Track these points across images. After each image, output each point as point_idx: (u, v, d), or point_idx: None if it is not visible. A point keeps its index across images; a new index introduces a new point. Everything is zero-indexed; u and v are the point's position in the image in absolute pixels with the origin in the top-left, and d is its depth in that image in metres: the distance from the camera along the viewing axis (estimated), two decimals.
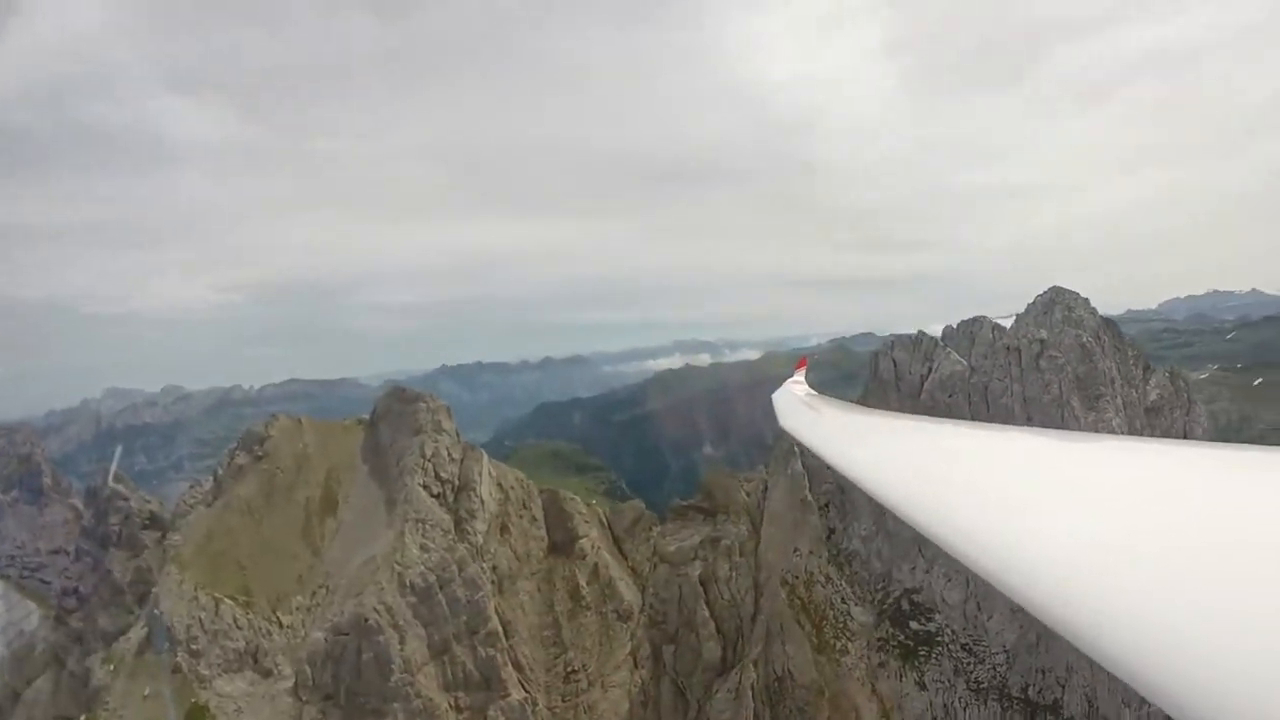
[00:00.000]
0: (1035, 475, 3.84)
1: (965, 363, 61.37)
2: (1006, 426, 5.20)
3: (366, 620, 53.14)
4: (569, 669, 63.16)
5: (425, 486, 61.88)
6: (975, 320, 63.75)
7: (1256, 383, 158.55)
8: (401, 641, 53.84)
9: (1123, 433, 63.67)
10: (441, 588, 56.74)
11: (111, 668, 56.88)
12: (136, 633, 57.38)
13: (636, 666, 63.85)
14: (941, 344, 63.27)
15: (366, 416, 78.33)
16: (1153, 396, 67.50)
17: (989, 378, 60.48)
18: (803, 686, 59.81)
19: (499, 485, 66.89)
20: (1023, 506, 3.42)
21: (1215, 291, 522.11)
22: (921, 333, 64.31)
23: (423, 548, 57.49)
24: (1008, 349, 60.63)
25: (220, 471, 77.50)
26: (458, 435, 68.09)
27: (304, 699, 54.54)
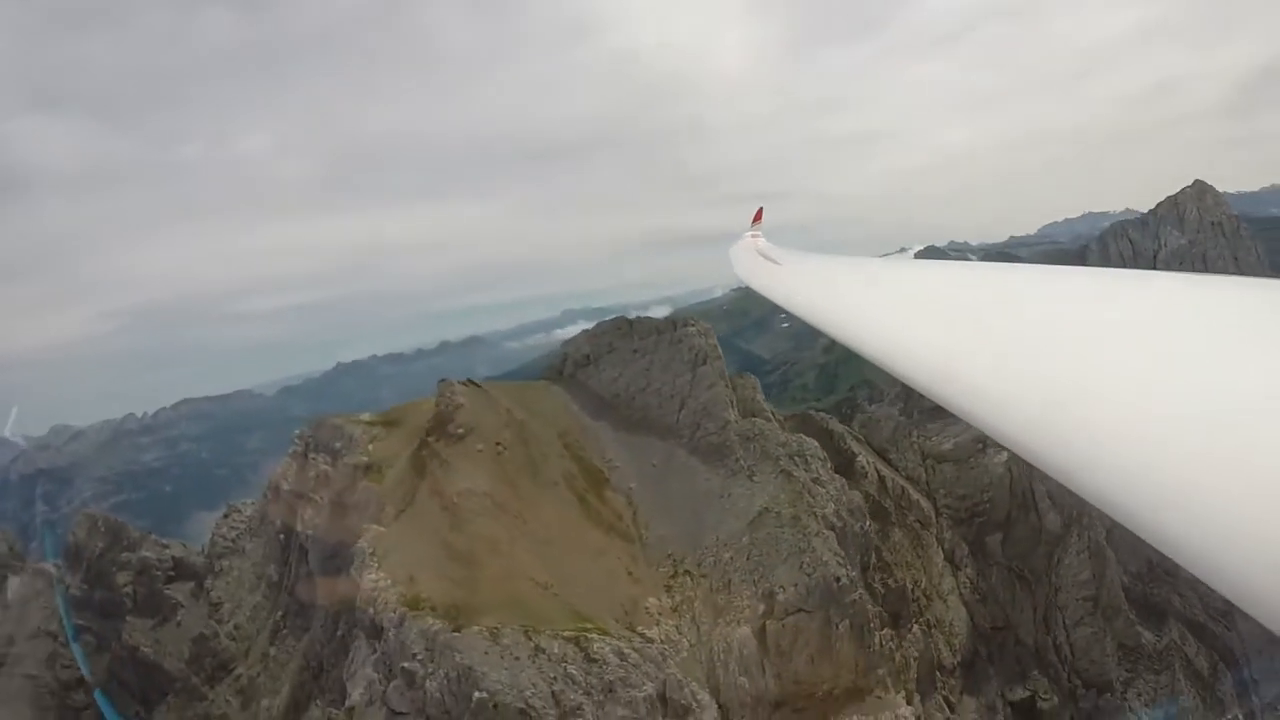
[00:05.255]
0: (1022, 310, 3.08)
1: (1183, 237, 60.28)
2: (983, 264, 4.22)
3: (838, 580, 33.56)
4: (901, 589, 48.38)
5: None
6: (1175, 201, 63.10)
7: None
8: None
9: None
10: (847, 523, 38.62)
11: None
12: None
13: (958, 567, 50.76)
14: (1163, 223, 61.67)
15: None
16: None
17: (1204, 248, 60.73)
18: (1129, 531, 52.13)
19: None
20: (1011, 342, 2.76)
21: (1090, 213, 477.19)
22: (1150, 213, 62.74)
23: (816, 480, 38.44)
24: (1213, 224, 60.85)
25: (285, 485, 49.45)
26: None
27: None
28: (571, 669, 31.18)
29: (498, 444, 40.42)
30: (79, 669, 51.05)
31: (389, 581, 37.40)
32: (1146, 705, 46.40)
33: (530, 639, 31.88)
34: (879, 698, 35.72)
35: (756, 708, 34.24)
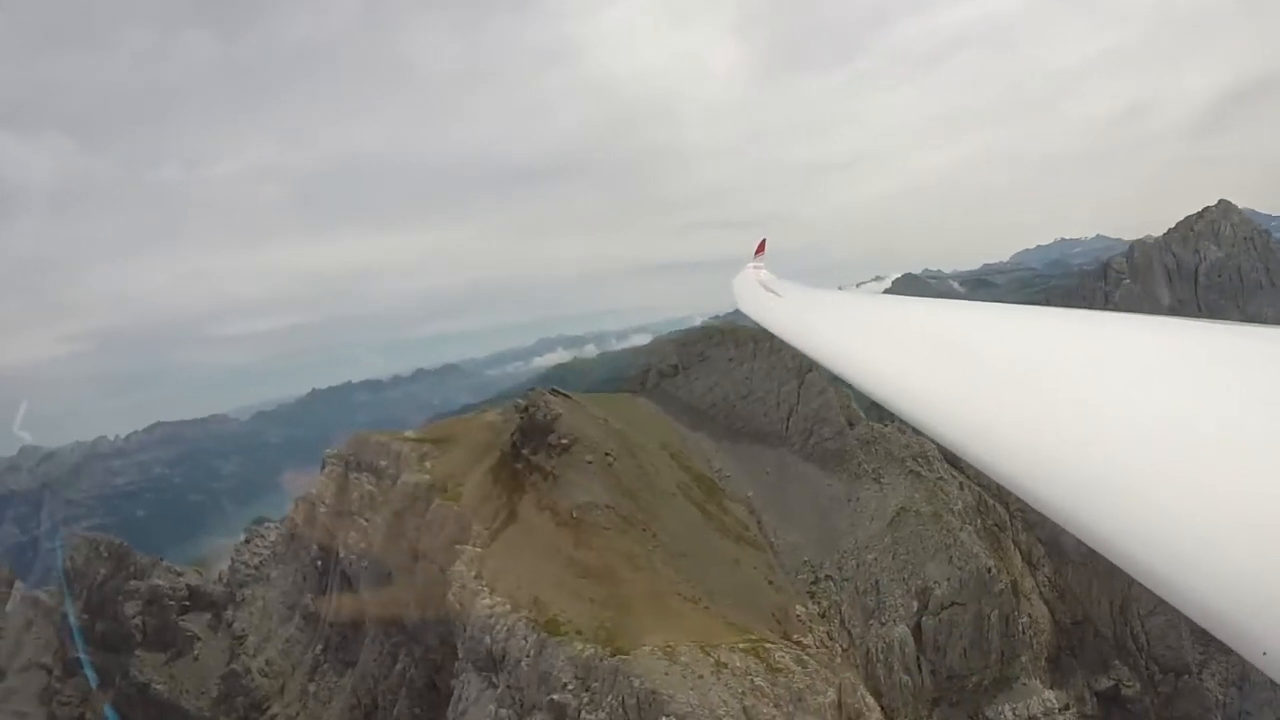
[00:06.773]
0: (1014, 349, 3.24)
1: (1220, 251, 64.83)
2: (983, 304, 4.19)
3: (989, 571, 32.81)
4: (1015, 582, 48.60)
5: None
6: (1206, 218, 67.38)
7: None
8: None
9: None
10: (974, 519, 38.13)
11: None
12: None
13: (1036, 567, 51.27)
14: (1201, 238, 66.14)
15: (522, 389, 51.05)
16: None
17: (1239, 260, 64.90)
18: None
19: None
20: (1004, 379, 2.90)
21: (1063, 239, 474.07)
22: (1189, 227, 66.85)
23: (941, 479, 37.88)
24: (1245, 239, 65.51)
25: (323, 507, 46.18)
26: None
27: None
28: (758, 680, 29.10)
29: (607, 454, 38.10)
30: (77, 706, 44.48)
31: (508, 606, 34.37)
32: (1222, 684, 47.64)
33: (708, 654, 29.61)
34: (1024, 684, 35.33)
35: (916, 705, 33.06)
